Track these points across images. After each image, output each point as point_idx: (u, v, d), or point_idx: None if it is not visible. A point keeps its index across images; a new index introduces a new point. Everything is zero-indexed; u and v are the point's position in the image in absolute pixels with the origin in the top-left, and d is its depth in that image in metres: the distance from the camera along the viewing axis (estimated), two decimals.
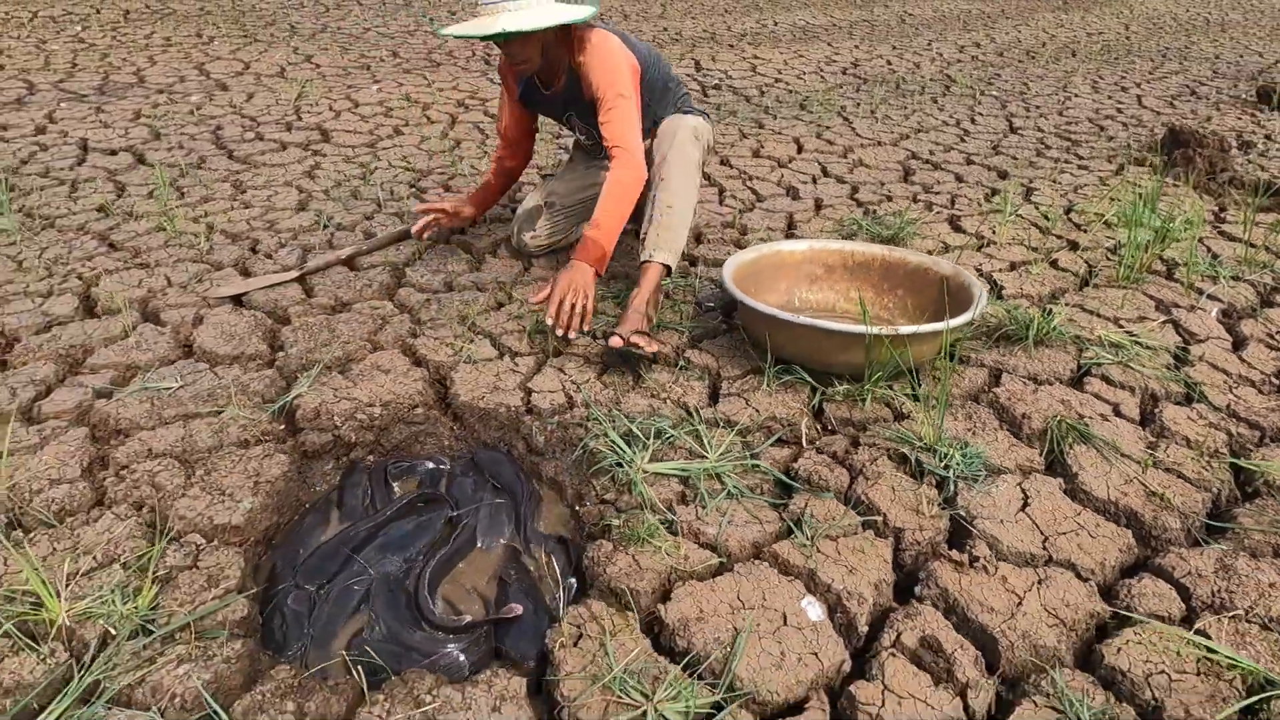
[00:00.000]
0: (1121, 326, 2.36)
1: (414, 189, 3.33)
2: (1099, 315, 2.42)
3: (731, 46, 6.66)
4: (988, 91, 5.50)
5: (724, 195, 3.39)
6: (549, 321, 2.16)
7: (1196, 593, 1.46)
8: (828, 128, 4.45)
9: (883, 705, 1.26)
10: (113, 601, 1.37)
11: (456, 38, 2.34)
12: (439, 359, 2.14)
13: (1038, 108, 5.11)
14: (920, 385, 2.03)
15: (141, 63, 5.27)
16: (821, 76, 5.80)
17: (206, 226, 2.86)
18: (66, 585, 1.40)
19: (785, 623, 1.39)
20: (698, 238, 2.97)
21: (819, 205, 3.34)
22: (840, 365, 2.00)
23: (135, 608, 1.36)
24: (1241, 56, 7.07)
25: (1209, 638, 1.36)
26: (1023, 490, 1.70)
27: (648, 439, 1.81)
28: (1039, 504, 1.66)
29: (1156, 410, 1.98)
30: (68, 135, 3.83)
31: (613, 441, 1.80)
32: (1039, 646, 1.37)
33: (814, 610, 1.42)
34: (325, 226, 2.91)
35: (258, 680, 1.28)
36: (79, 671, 1.25)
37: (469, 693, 1.24)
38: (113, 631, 1.32)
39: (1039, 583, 1.49)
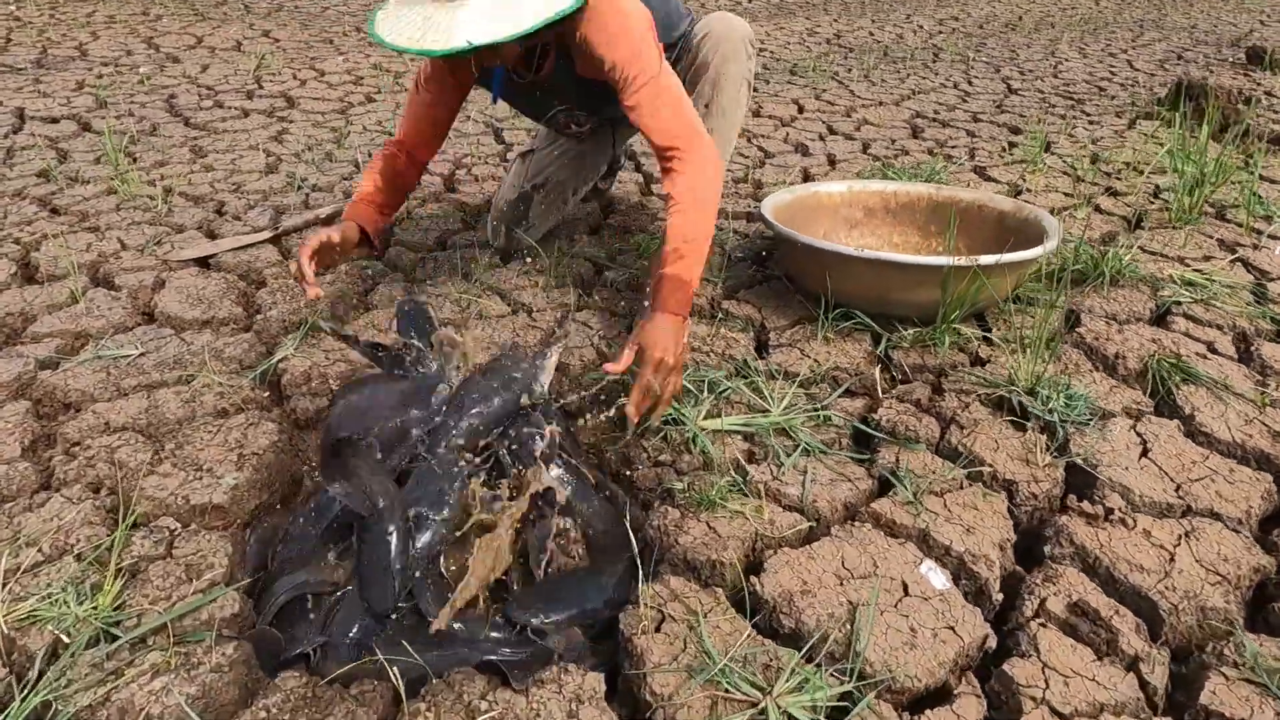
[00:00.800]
0: (1188, 265, 2.16)
1: None
2: (1164, 255, 2.22)
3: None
4: (977, 58, 5.34)
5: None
6: (630, 414, 1.42)
7: None
8: (824, 90, 4.24)
9: (1046, 687, 1.01)
10: (64, 601, 1.07)
11: (398, 51, 1.53)
12: (444, 316, 1.86)
13: (1031, 71, 4.95)
14: (992, 329, 1.80)
15: (84, 38, 4.87)
16: (806, 47, 5.59)
17: (164, 190, 2.53)
18: (4, 585, 1.10)
19: (906, 593, 1.14)
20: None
21: (832, 160, 3.11)
22: (909, 305, 1.76)
23: (94, 608, 1.07)
24: (1216, 25, 7.04)
25: None
26: (1138, 434, 1.48)
27: (699, 393, 1.55)
28: (1160, 448, 1.44)
29: (1252, 348, 1.78)
30: (1, 104, 3.45)
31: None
32: (1207, 609, 1.14)
33: (937, 577, 1.18)
34: (299, 187, 2.61)
35: (258, 693, 1.00)
36: (22, 691, 0.96)
37: (536, 696, 0.97)
38: (65, 639, 1.03)
39: (1186, 535, 1.26)
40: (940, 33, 6.33)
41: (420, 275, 2.07)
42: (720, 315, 1.89)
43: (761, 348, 1.80)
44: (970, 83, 4.59)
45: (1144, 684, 1.04)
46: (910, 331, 1.77)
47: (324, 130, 3.28)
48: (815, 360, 1.71)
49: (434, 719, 0.95)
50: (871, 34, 6.13)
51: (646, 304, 1.57)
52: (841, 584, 1.15)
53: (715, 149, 1.68)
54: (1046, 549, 1.25)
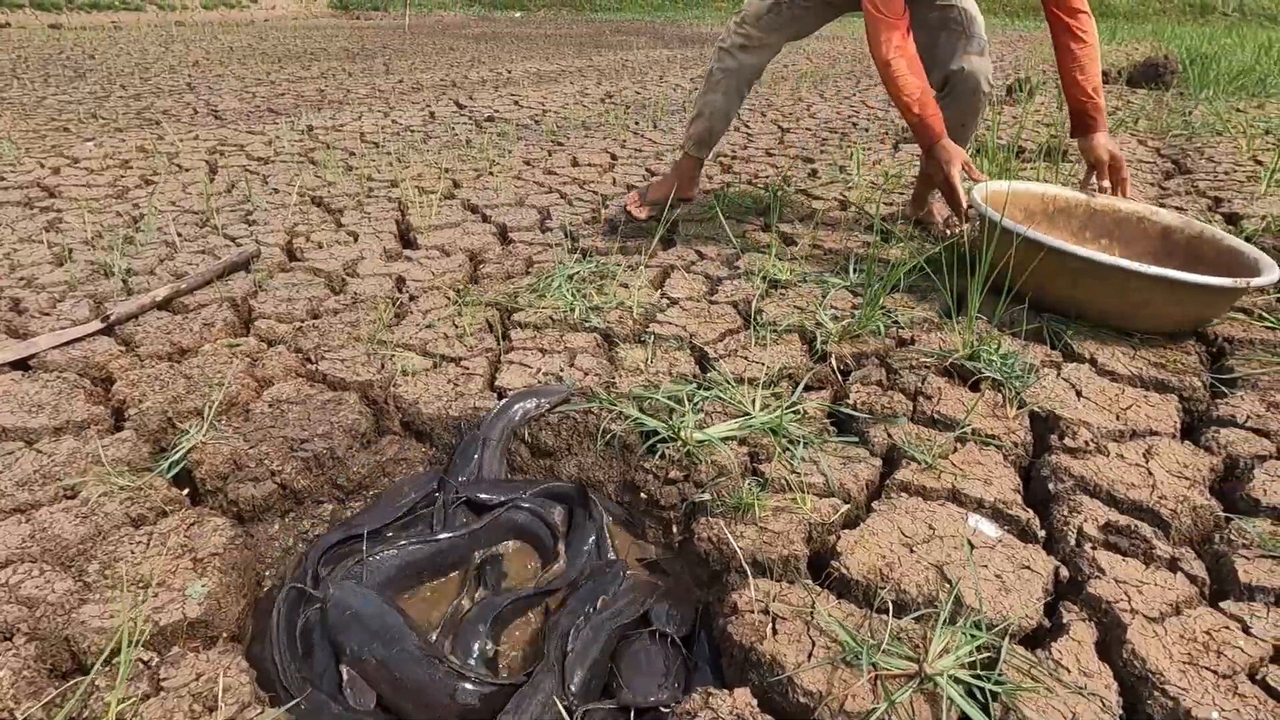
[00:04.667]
0: None
1: (208, 226, 2.71)
2: None
3: (479, 88, 6.48)
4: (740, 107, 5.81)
5: (568, 198, 3.15)
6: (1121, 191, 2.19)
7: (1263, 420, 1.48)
8: (625, 140, 4.40)
9: (1128, 600, 1.08)
10: None
11: None
12: (363, 377, 1.66)
13: (790, 114, 5.48)
14: (895, 312, 1.94)
15: None
16: (584, 106, 5.79)
17: None
18: None
19: (971, 546, 1.17)
20: (612, 227, 2.71)
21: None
22: (1160, 319, 1.80)
23: None
24: None
25: None
26: (1065, 379, 1.65)
27: (674, 409, 1.51)
28: (1088, 388, 1.62)
29: None
30: None
31: (637, 420, 1.48)
32: (1196, 508, 1.28)
33: (987, 527, 1.22)
34: (111, 275, 2.24)
35: None
36: None
37: None
38: None
39: (1147, 453, 1.41)
40: (695, 89, 6.83)
41: (306, 345, 1.84)
42: (650, 338, 1.86)
43: (703, 362, 1.79)
44: (748, 126, 4.98)
45: (1193, 578, 1.14)
46: (836, 326, 1.85)
47: (108, 215, 2.85)
48: (761, 363, 1.73)
49: None
50: (638, 93, 6.48)
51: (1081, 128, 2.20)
52: (912, 551, 1.15)
53: None
54: (1051, 486, 1.34)
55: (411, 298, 2.14)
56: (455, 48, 10.29)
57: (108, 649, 0.97)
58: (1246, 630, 1.03)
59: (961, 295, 2.06)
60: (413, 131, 4.58)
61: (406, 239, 2.67)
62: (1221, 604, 1.09)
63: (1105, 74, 6.86)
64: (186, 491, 1.34)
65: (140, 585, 1.08)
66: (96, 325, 1.90)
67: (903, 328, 1.88)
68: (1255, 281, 1.67)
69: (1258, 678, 0.96)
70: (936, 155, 2.10)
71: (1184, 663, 0.98)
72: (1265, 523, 1.23)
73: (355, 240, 2.59)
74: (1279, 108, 5.30)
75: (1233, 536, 1.22)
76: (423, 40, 11.52)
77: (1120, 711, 0.93)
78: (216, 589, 1.08)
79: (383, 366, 1.72)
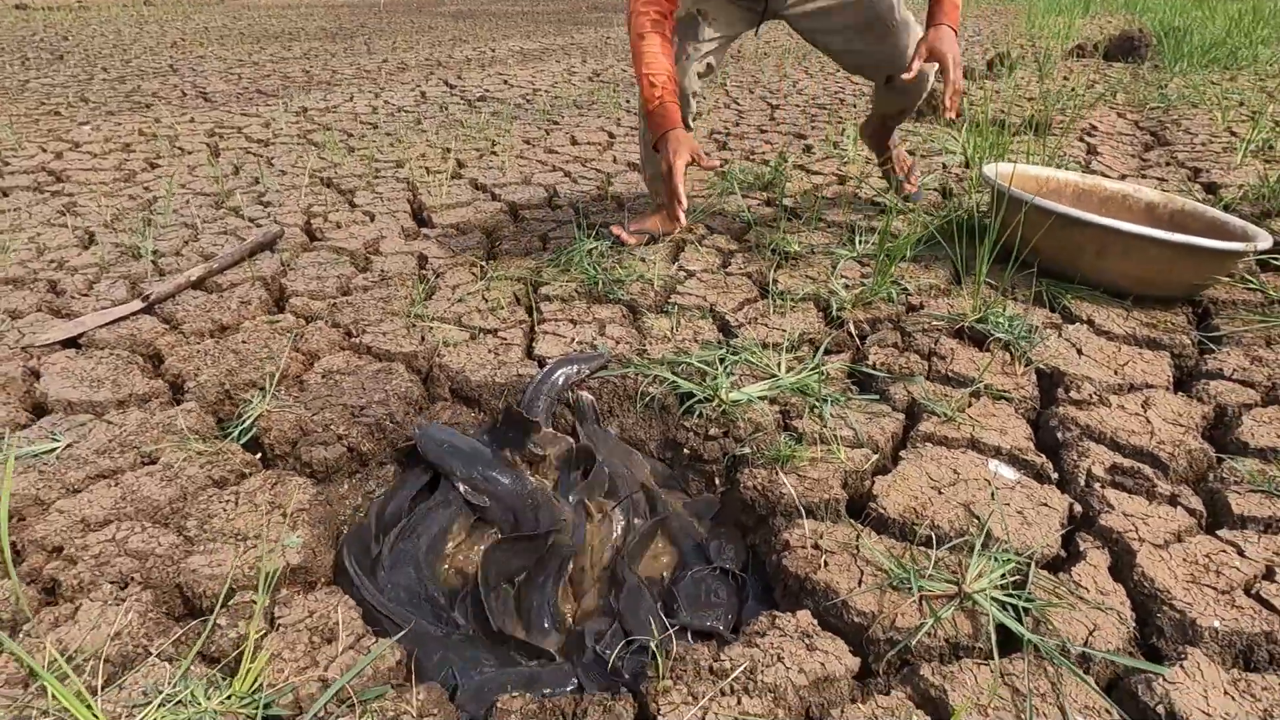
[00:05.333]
0: None
1: (224, 208, 2.76)
2: None
3: (465, 67, 6.50)
4: (727, 85, 5.89)
5: (572, 176, 3.23)
6: (949, 107, 1.94)
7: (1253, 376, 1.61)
8: (619, 120, 4.46)
9: (1136, 530, 1.20)
10: (192, 699, 0.90)
11: None
12: (407, 349, 1.75)
13: (778, 91, 5.56)
14: (906, 283, 2.05)
15: None
16: (573, 84, 5.83)
17: None
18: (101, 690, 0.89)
19: (993, 488, 1.29)
20: (619, 204, 2.80)
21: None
22: (1177, 286, 1.93)
23: (229, 698, 0.90)
24: None
25: None
26: (1065, 339, 1.77)
27: (706, 372, 1.62)
28: (1087, 346, 1.74)
29: None
30: None
31: (674, 383, 1.59)
32: (1191, 451, 1.40)
33: (1006, 470, 1.34)
34: (139, 256, 2.29)
35: None
36: None
37: (767, 644, 0.98)
38: None
39: (1145, 403, 1.54)
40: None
41: (344, 320, 1.92)
42: (674, 308, 1.96)
43: (725, 329, 1.90)
44: (738, 103, 5.06)
45: (1191, 510, 1.26)
46: (849, 294, 1.96)
47: (121, 199, 2.89)
48: (782, 330, 1.84)
49: (687, 690, 0.92)
50: (625, 70, 6.52)
51: (926, 24, 2.00)
52: (941, 493, 1.27)
53: None
54: (1059, 434, 1.46)
55: (437, 274, 2.21)
56: (434, 26, 10.23)
57: (222, 592, 1.06)
58: (1241, 553, 1.16)
59: (966, 264, 2.18)
60: (406, 112, 4.62)
61: (420, 218, 2.74)
62: (1218, 532, 1.21)
63: (1081, 48, 7.00)
64: (259, 456, 1.42)
65: (239, 538, 1.17)
66: (138, 304, 1.96)
67: (911, 294, 1.99)
68: (1259, 245, 1.81)
69: (1252, 592, 1.09)
70: (667, 142, 1.98)
71: (1188, 581, 1.11)
72: (1253, 463, 1.36)
73: (372, 220, 2.66)
74: (1250, 80, 5.46)
75: (1225, 475, 1.35)
76: (400, 19, 11.42)
77: (1133, 623, 1.06)
78: (309, 539, 1.17)
79: (423, 339, 1.81)
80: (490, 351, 1.76)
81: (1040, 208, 1.92)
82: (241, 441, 1.45)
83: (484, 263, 2.29)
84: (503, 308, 1.97)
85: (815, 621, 1.03)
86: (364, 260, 2.33)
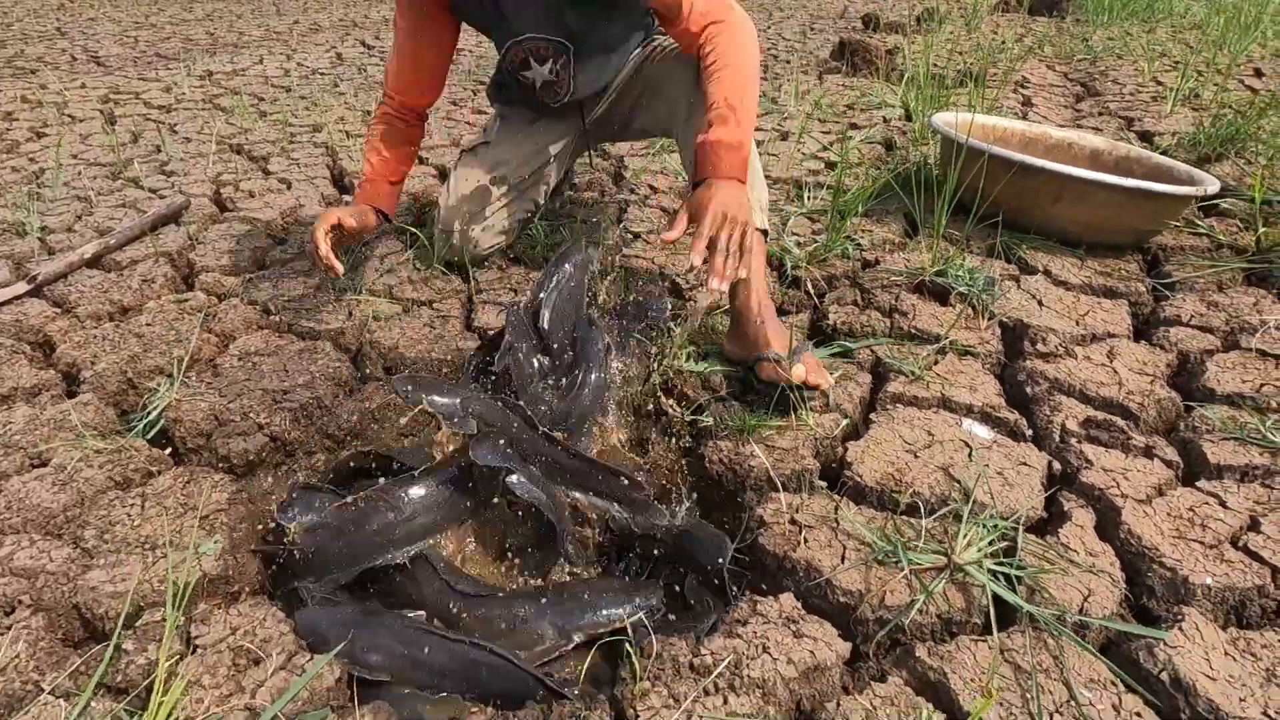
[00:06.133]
0: None
1: (121, 178, 2.52)
2: None
3: (383, 27, 6.17)
4: None
5: None
6: (698, 265, 1.25)
7: (1210, 321, 1.59)
8: None
9: (1118, 486, 1.16)
10: None
11: None
12: (333, 325, 1.60)
13: None
14: (859, 239, 1.97)
15: None
16: None
17: None
18: None
19: (970, 448, 1.22)
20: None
21: None
22: (1135, 232, 1.92)
23: None
24: (822, 6, 8.27)
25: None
26: (1025, 290, 1.72)
27: (664, 334, 1.52)
28: (1046, 297, 1.69)
29: None
30: None
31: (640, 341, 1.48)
32: (1160, 401, 1.37)
33: (981, 430, 1.28)
34: (24, 233, 2.06)
35: None
36: None
37: (751, 632, 0.90)
38: None
39: (1110, 354, 1.50)
40: None
41: (259, 297, 1.75)
42: (622, 271, 1.85)
43: (677, 292, 1.80)
44: None
45: (1169, 463, 1.22)
46: (802, 252, 1.88)
47: (4, 171, 2.62)
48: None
49: (667, 692, 0.83)
50: None
51: (692, 181, 1.39)
52: (917, 456, 1.20)
53: (750, 24, 1.49)
54: (1029, 389, 1.41)
55: (364, 243, 2.05)
56: None
57: (125, 611, 0.93)
58: (1223, 504, 1.12)
59: (920, 216, 2.12)
60: (321, 75, 4.34)
61: (342, 184, 2.55)
62: (1197, 484, 1.18)
63: (1005, 1, 7.04)
64: (168, 451, 1.27)
65: (147, 547, 1.03)
66: (23, 287, 1.76)
67: (866, 249, 1.92)
68: (1209, 189, 1.79)
69: (1239, 544, 1.05)
70: (356, 204, 1.70)
71: (1174, 537, 1.06)
72: (1223, 409, 1.33)
73: (289, 188, 2.46)
74: (1168, 31, 5.56)
75: (1196, 424, 1.31)
76: None
77: (1124, 584, 1.01)
78: (229, 544, 1.04)
79: (350, 314, 1.66)
80: (426, 325, 1.62)
81: (998, 157, 1.86)
82: (147, 436, 1.30)
83: (413, 230, 2.13)
84: (437, 278, 1.83)
85: (799, 605, 0.95)
86: (281, 231, 2.15)
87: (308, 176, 2.55)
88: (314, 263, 1.68)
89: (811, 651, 0.88)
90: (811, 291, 1.73)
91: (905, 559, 0.97)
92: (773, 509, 1.09)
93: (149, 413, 1.32)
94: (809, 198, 2.24)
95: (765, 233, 1.55)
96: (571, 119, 1.90)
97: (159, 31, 5.91)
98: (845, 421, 1.30)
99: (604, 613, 0.99)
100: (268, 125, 3.20)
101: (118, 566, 1.00)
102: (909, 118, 3.19)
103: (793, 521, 1.07)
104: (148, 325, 1.63)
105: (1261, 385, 1.38)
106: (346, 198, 2.40)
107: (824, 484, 1.18)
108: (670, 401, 1.38)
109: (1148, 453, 1.24)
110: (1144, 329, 1.65)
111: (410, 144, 1.79)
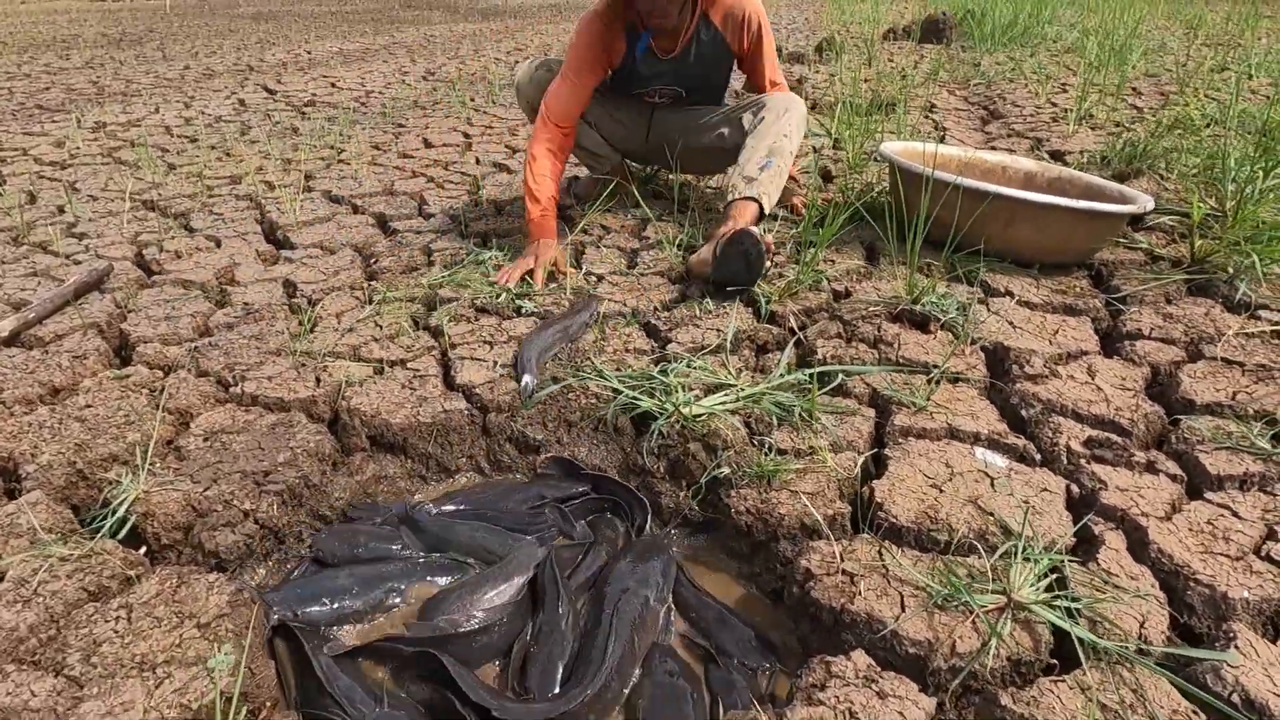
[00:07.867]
0: None
1: (25, 244, 2.31)
2: None
3: (283, 71, 5.97)
4: None
5: (437, 182, 2.98)
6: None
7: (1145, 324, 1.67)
8: (470, 119, 4.21)
9: (1136, 505, 1.18)
10: None
11: None
12: (302, 394, 1.49)
13: None
14: (820, 270, 1.99)
15: None
16: (407, 84, 5.49)
17: None
18: None
19: (991, 478, 1.23)
20: (496, 208, 2.57)
21: None
22: (1078, 253, 1.99)
23: None
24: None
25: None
26: (994, 313, 1.76)
27: (655, 385, 1.48)
28: (1017, 319, 1.74)
29: None
30: None
31: (631, 397, 1.43)
32: (1147, 414, 1.41)
33: (995, 458, 1.29)
34: None
35: None
36: None
37: (833, 695, 0.86)
38: None
39: (1089, 370, 1.55)
40: (515, 61, 6.67)
41: (212, 367, 1.62)
42: (596, 317, 1.80)
43: (652, 333, 1.76)
44: None
45: (1172, 478, 1.26)
46: (772, 287, 1.88)
47: None
48: (716, 330, 1.72)
49: None
50: (460, 68, 6.23)
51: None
52: (943, 491, 1.20)
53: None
54: (1024, 412, 1.43)
55: (312, 302, 1.94)
56: (235, 29, 9.41)
57: None
58: (1237, 515, 1.16)
59: (874, 246, 2.16)
60: (227, 122, 4.15)
61: (275, 239, 2.42)
62: (1205, 496, 1.21)
63: (893, 31, 7.39)
64: (143, 551, 1.14)
65: (145, 668, 0.91)
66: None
67: (834, 280, 1.94)
68: (1147, 206, 1.87)
69: (1263, 554, 1.09)
70: (536, 246, 2.05)
71: (1201, 552, 1.09)
72: (1207, 419, 1.39)
73: (218, 245, 2.31)
74: (1049, 55, 5.94)
75: (1186, 435, 1.36)
76: (193, 22, 10.43)
77: (1167, 605, 1.02)
78: (242, 653, 0.93)
79: (319, 380, 1.55)
80: (404, 386, 1.53)
81: (963, 187, 1.90)
82: (118, 536, 1.16)
83: (366, 284, 2.03)
84: (404, 333, 1.74)
85: (872, 661, 0.92)
86: (219, 293, 2.01)
87: (237, 232, 2.41)
88: (503, 280, 1.96)
89: (900, 712, 0.84)
90: (793, 327, 1.72)
91: (972, 601, 0.96)
92: (818, 559, 1.06)
93: (114, 508, 1.19)
94: (763, 228, 2.25)
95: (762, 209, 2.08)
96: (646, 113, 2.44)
97: (35, 82, 5.55)
98: (861, 458, 1.29)
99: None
100: (180, 178, 3.02)
101: (114, 695, 0.88)
102: (836, 145, 3.28)
103: (843, 571, 1.04)
104: (88, 407, 1.48)
105: (1235, 394, 1.45)
106: (285, 253, 2.27)
107: (861, 528, 1.16)
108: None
109: (1151, 468, 1.28)
110: (1110, 344, 1.71)
111: (565, 154, 2.21)
